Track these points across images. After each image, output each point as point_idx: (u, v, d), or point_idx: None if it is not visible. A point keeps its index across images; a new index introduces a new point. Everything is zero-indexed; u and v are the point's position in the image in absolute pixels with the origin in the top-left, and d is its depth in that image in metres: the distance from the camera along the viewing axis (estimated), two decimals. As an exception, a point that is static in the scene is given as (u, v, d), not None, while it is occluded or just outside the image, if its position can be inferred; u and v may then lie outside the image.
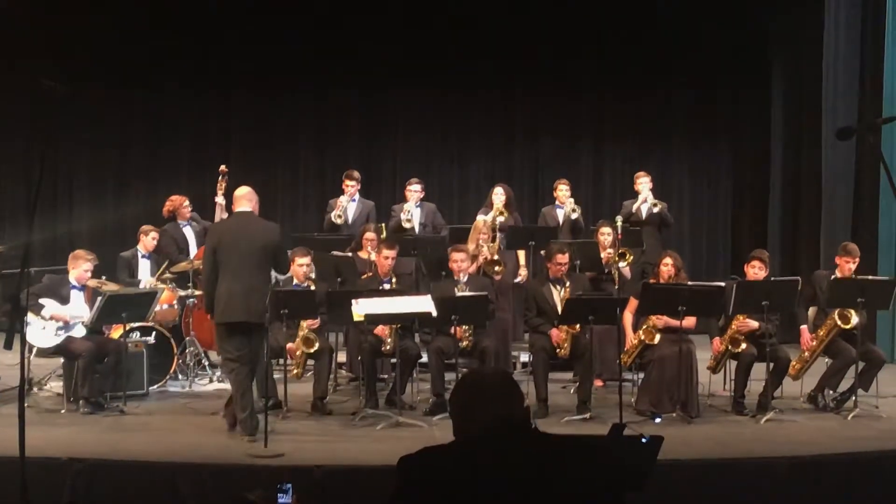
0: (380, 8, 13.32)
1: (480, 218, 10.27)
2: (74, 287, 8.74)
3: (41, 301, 8.50)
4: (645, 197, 11.00)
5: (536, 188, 13.94)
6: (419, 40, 13.55)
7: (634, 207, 11.01)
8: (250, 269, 7.47)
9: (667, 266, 8.72)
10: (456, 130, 14.13)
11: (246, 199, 7.77)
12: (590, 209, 12.87)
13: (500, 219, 10.34)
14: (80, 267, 8.76)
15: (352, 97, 13.96)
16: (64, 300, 8.64)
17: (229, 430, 7.59)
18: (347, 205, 10.99)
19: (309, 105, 14.03)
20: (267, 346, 8.00)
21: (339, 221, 10.87)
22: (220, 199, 10.32)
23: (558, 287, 8.83)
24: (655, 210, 10.95)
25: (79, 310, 8.67)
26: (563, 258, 8.84)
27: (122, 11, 12.86)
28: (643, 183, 11.07)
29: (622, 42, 13.44)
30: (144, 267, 9.92)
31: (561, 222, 10.90)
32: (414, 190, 10.91)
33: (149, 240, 9.95)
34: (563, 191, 11.05)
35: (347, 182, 11.02)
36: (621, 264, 9.69)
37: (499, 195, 10.60)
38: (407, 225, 10.70)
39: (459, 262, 8.89)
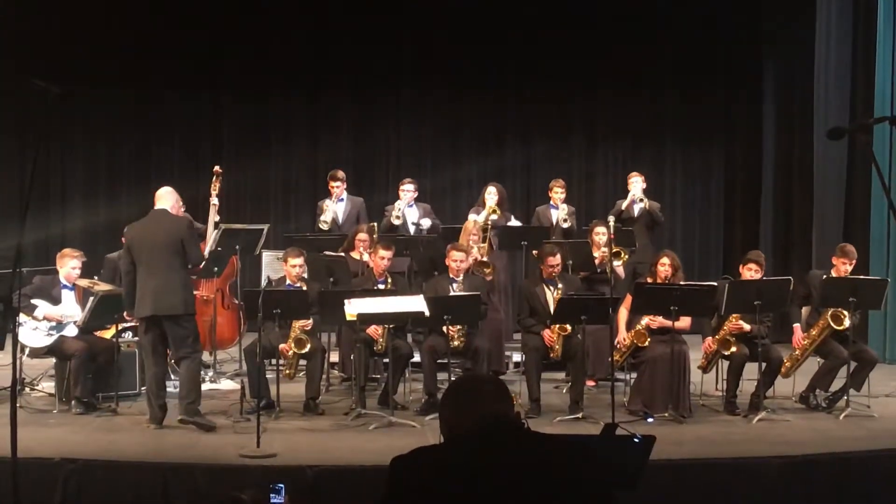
0: (371, 8, 13.31)
1: (471, 218, 10.26)
2: (65, 286, 8.74)
3: (33, 302, 8.50)
4: (634, 194, 10.99)
5: (528, 188, 13.92)
6: (411, 40, 13.56)
7: (624, 205, 11.01)
8: (160, 264, 7.79)
9: (664, 266, 8.70)
10: (448, 131, 14.09)
11: (164, 197, 8.08)
12: (582, 209, 12.85)
13: (493, 217, 10.35)
14: (67, 265, 8.76)
15: (344, 97, 13.92)
16: (55, 300, 8.64)
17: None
18: (335, 205, 10.95)
19: (301, 105, 13.99)
20: (259, 346, 8.05)
21: (326, 227, 10.83)
22: (214, 200, 10.30)
23: (551, 288, 8.83)
24: (644, 207, 10.94)
25: (70, 309, 8.67)
26: (554, 260, 8.84)
27: (114, 12, 12.85)
28: (635, 182, 11.07)
29: (614, 42, 13.42)
30: None
31: (554, 223, 10.87)
32: (406, 190, 10.89)
33: None
34: (558, 193, 11.00)
35: (332, 183, 10.97)
36: (615, 263, 9.69)
37: (492, 195, 10.60)
38: (396, 222, 10.69)
39: (458, 262, 8.89)
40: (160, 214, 8.02)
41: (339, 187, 10.96)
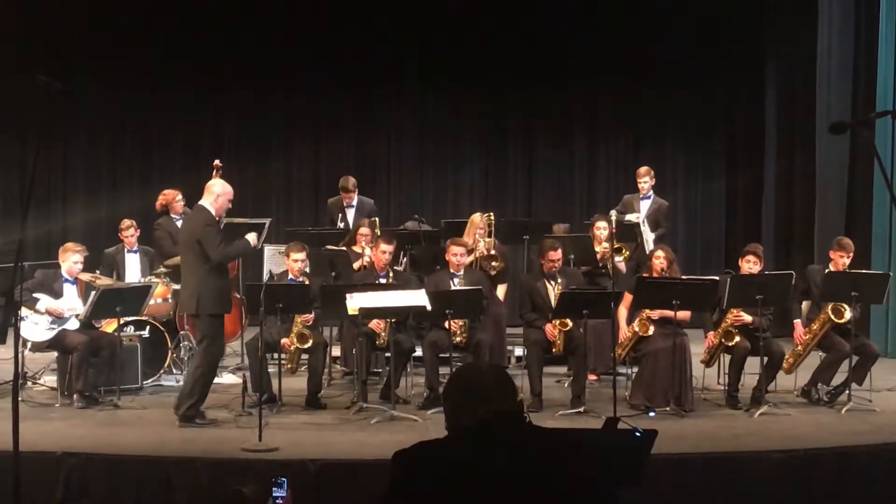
0: (373, 8, 13.29)
1: (476, 214, 10.22)
2: (67, 280, 8.74)
3: (35, 296, 8.50)
4: (641, 218, 10.81)
5: (530, 188, 13.94)
6: (412, 39, 13.52)
7: (627, 218, 10.80)
8: (184, 263, 7.91)
9: (659, 259, 8.73)
10: (449, 131, 14.06)
11: (206, 191, 7.99)
12: (584, 208, 12.86)
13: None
14: (69, 259, 8.76)
15: (345, 96, 13.89)
16: (56, 294, 8.64)
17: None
18: (347, 210, 10.90)
19: (303, 103, 13.95)
20: (262, 340, 8.05)
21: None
22: None
23: (552, 282, 8.83)
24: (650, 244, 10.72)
25: (72, 303, 8.67)
26: (555, 255, 8.84)
27: (116, 9, 12.85)
28: (644, 182, 10.91)
29: (615, 40, 13.40)
30: (132, 261, 9.84)
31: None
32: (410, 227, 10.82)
33: (128, 235, 9.89)
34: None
35: (344, 194, 10.89)
36: (617, 259, 9.68)
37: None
38: None
39: (458, 256, 8.88)
40: (194, 210, 8.03)
41: (349, 197, 10.90)
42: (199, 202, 7.94)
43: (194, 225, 7.82)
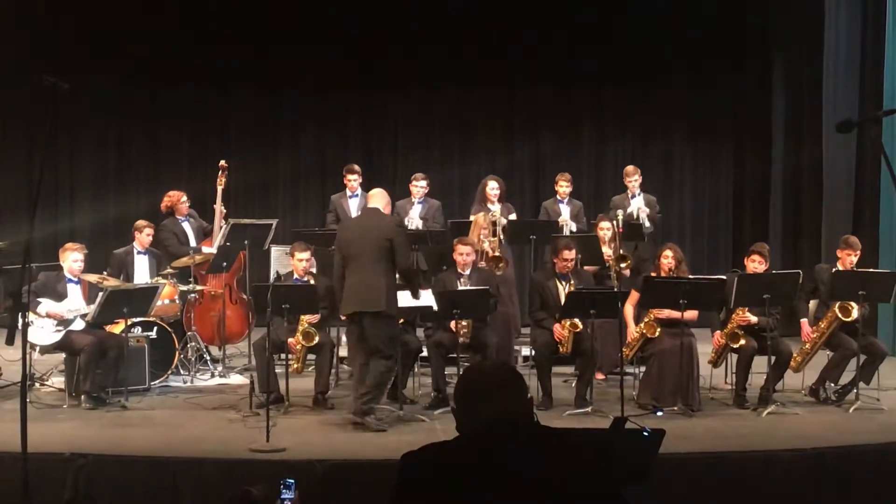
0: (378, 6, 13.30)
1: (480, 214, 10.20)
2: (71, 281, 8.75)
3: (38, 299, 8.48)
4: (637, 208, 10.79)
5: (537, 184, 13.92)
6: (419, 37, 13.53)
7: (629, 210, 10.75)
8: (365, 262, 7.71)
9: (667, 259, 8.71)
10: (456, 127, 14.08)
11: (376, 197, 8.03)
12: (591, 203, 12.84)
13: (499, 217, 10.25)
14: (69, 259, 8.76)
15: (351, 94, 13.91)
16: (60, 296, 8.64)
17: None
18: (350, 201, 10.76)
19: (309, 103, 13.98)
20: (269, 340, 8.05)
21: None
22: (221, 208, 10.29)
23: (564, 283, 8.80)
24: (647, 224, 10.70)
25: (76, 303, 8.66)
26: (569, 254, 8.82)
27: (122, 9, 12.87)
28: (633, 181, 10.84)
29: (623, 35, 13.41)
30: (141, 263, 9.80)
31: (561, 218, 10.75)
32: (420, 186, 10.79)
33: (143, 236, 9.83)
34: (563, 186, 10.88)
35: (349, 177, 10.82)
36: (622, 265, 9.68)
37: (494, 189, 10.47)
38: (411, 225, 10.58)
39: (465, 256, 8.85)
40: (372, 213, 7.97)
41: (355, 181, 10.83)
42: (373, 206, 7.96)
43: (384, 225, 7.79)
